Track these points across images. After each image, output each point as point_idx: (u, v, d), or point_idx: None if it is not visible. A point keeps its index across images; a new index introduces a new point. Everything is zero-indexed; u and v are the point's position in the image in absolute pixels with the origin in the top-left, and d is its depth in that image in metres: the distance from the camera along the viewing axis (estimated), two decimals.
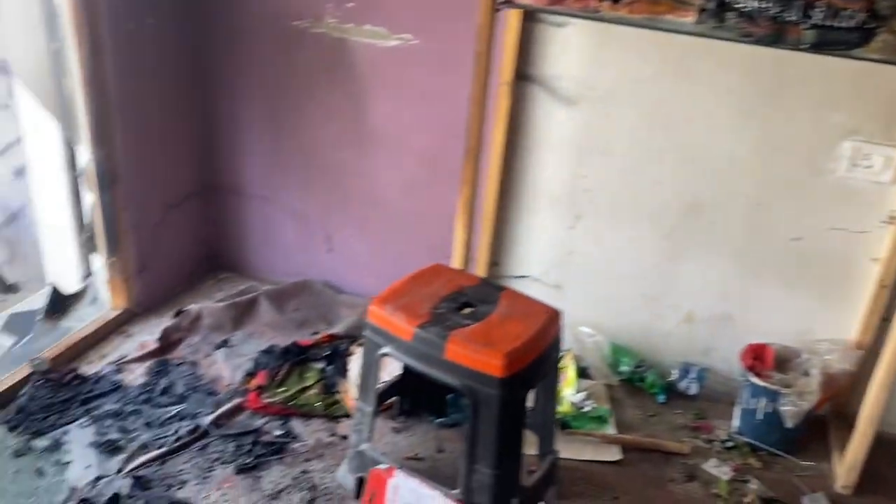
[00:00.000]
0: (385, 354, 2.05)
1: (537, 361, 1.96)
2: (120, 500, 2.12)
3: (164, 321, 3.01)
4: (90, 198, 2.79)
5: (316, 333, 3.00)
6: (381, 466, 2.09)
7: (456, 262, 2.65)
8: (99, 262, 2.92)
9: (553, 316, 2.06)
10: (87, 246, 2.93)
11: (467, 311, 2.06)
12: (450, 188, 2.84)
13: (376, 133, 2.92)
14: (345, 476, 2.27)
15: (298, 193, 3.17)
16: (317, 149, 3.05)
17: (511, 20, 2.51)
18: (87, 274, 3.03)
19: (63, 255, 3.05)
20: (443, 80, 2.71)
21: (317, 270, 3.26)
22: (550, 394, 2.19)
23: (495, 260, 2.93)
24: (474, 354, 1.88)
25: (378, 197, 3.04)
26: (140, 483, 2.21)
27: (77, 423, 2.44)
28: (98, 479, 2.22)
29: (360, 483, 2.21)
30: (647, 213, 2.69)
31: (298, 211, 3.20)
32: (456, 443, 2.50)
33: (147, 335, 2.93)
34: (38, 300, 3.13)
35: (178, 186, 3.12)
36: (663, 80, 2.52)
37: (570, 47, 2.56)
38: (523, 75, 2.61)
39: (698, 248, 2.69)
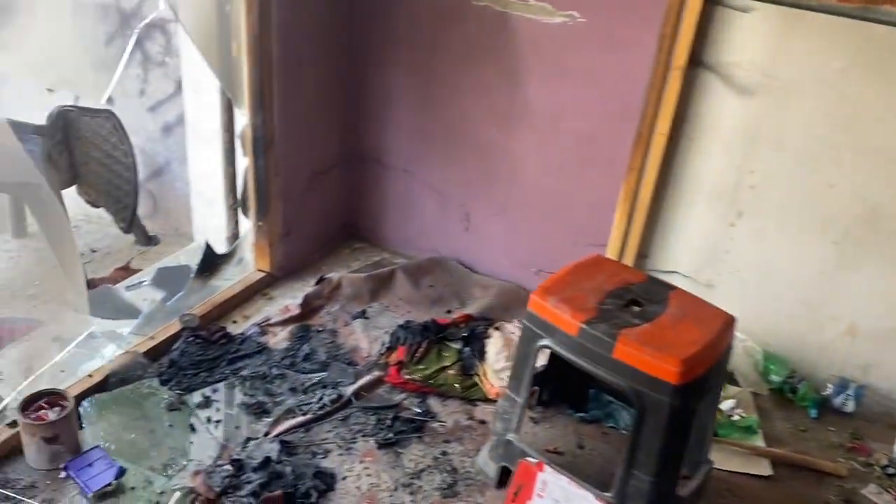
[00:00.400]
0: (544, 346, 1.99)
1: (712, 370, 1.86)
2: (270, 463, 2.15)
3: (304, 286, 3.05)
4: (244, 161, 2.83)
5: (450, 312, 2.97)
6: (531, 460, 2.04)
7: (610, 252, 2.56)
8: (247, 224, 2.97)
9: (728, 322, 1.95)
10: (237, 208, 2.99)
11: (635, 309, 1.97)
12: (602, 174, 2.74)
13: (528, 112, 2.83)
14: (486, 463, 2.25)
15: (440, 169, 3.13)
16: (463, 125, 2.99)
17: (692, 2, 2.36)
18: (234, 235, 3.09)
19: (210, 215, 3.13)
20: (608, 62, 2.59)
21: (451, 248, 3.22)
22: (713, 402, 2.08)
23: (644, 252, 2.81)
24: (647, 357, 1.80)
25: (522, 178, 2.96)
26: (287, 448, 2.25)
27: (225, 381, 2.50)
28: (248, 440, 2.27)
29: (504, 472, 2.18)
30: (819, 216, 2.52)
31: (438, 187, 3.16)
32: (596, 440, 2.43)
33: (288, 299, 2.98)
34: (184, 256, 3.23)
35: (324, 155, 3.13)
36: (854, 74, 2.32)
37: (752, 33, 2.39)
38: (698, 61, 2.46)
39: (872, 257, 2.49)
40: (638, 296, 2.02)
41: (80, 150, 3.27)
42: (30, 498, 2.02)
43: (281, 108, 2.76)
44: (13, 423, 2.19)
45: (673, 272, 2.80)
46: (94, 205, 3.48)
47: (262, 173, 2.81)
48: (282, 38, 2.64)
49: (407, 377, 2.56)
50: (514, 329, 2.80)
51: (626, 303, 1.98)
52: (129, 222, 3.40)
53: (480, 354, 2.67)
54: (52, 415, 2.11)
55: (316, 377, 2.56)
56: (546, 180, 2.91)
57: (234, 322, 2.82)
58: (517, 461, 2.07)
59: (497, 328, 2.79)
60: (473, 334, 2.73)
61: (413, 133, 3.12)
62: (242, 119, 2.74)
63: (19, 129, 3.09)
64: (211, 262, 2.94)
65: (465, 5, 2.77)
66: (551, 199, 2.92)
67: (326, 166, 3.15)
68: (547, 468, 2.02)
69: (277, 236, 2.99)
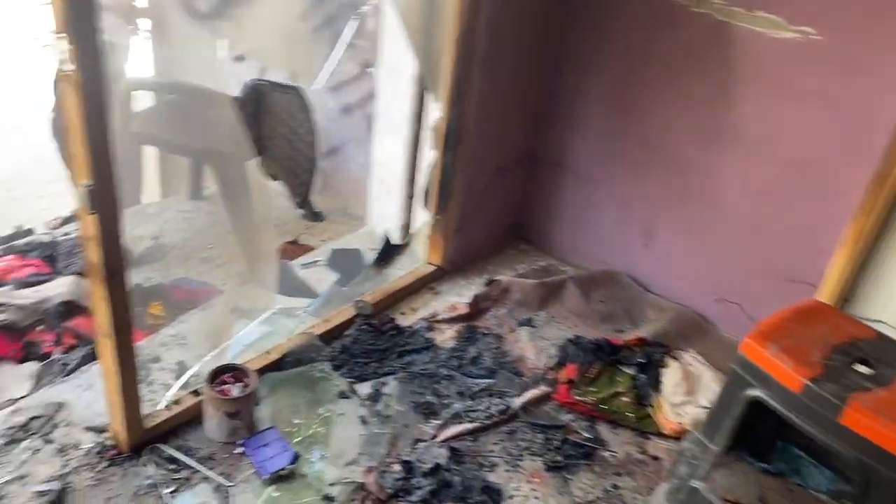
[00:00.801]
0: (756, 398, 1.82)
1: None
2: (440, 470, 2.11)
3: (469, 284, 3.00)
4: (430, 154, 2.79)
5: (621, 331, 2.83)
6: None
7: (822, 296, 2.33)
8: (423, 216, 2.93)
9: None
10: (415, 199, 2.96)
11: (866, 370, 1.76)
12: (816, 207, 2.51)
13: (736, 132, 2.62)
14: None
15: (624, 179, 2.97)
16: (658, 136, 2.82)
17: None
18: (406, 224, 3.07)
19: (387, 202, 3.12)
20: (844, 86, 2.34)
21: (625, 262, 3.07)
22: None
23: (847, 295, 2.55)
24: (881, 428, 1.60)
25: (717, 200, 2.76)
26: (455, 456, 2.19)
27: (395, 375, 2.47)
28: (417, 441, 2.23)
29: None
30: None
31: (620, 197, 3.01)
32: (781, 497, 2.22)
33: (453, 296, 2.93)
34: (356, 240, 3.24)
35: (507, 153, 3.05)
36: None
37: None
38: None
39: None
40: (868, 354, 1.81)
41: (268, 123, 3.33)
42: (208, 469, 2.06)
43: (477, 104, 2.69)
44: (196, 392, 2.25)
45: (878, 321, 2.52)
46: (274, 178, 3.57)
47: (449, 168, 2.76)
48: (489, 34, 2.56)
49: (578, 398, 2.44)
50: (691, 360, 2.63)
51: (853, 360, 1.78)
52: (304, 198, 3.45)
53: (656, 384, 2.52)
54: (235, 390, 2.15)
55: (483, 383, 2.49)
56: (745, 206, 2.69)
57: (403, 314, 2.80)
58: None
59: (674, 357, 2.62)
60: (650, 361, 2.58)
61: (601, 139, 2.98)
62: (435, 111, 2.69)
63: (213, 98, 3.19)
64: (389, 253, 2.92)
65: (682, 11, 2.59)
66: (748, 226, 2.70)
67: (507, 165, 3.07)
68: None
69: (452, 231, 2.93)
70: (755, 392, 1.81)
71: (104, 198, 1.66)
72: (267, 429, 2.17)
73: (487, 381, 2.50)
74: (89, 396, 2.27)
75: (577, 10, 2.83)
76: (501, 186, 3.10)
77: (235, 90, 3.18)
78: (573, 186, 3.12)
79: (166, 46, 3.58)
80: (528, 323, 2.82)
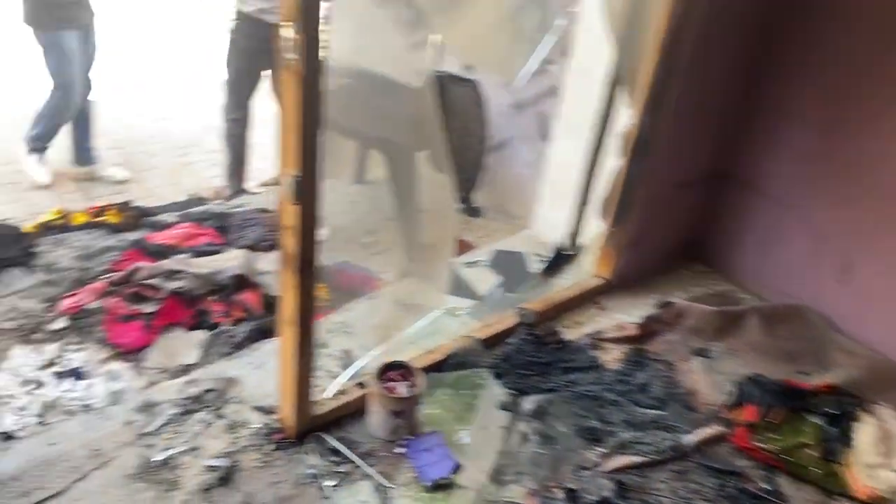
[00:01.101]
0: None
1: None
2: None
3: (637, 302, 2.83)
4: (613, 162, 2.64)
5: (806, 374, 2.58)
6: None
7: None
8: (595, 226, 2.79)
9: None
10: (589, 207, 2.82)
11: None
12: None
13: None
14: None
15: (824, 207, 2.70)
16: (873, 162, 2.53)
17: None
18: (575, 232, 2.94)
19: (557, 207, 3.00)
20: None
21: (815, 297, 2.79)
22: None
23: None
24: None
25: None
26: (621, 489, 2.06)
27: (558, 393, 2.36)
28: (581, 468, 2.11)
29: None
30: None
31: (817, 226, 2.74)
32: None
33: (620, 313, 2.78)
34: (519, 243, 3.15)
35: (695, 167, 2.85)
36: None
37: None
38: None
39: None
40: None
41: (442, 116, 3.30)
42: (369, 465, 2.04)
43: (671, 113, 2.51)
44: (361, 384, 2.23)
45: None
46: (439, 170, 3.53)
47: (633, 179, 2.60)
48: (695, 42, 2.38)
49: (758, 444, 2.24)
50: (889, 418, 2.35)
51: None
52: (467, 195, 3.40)
53: (847, 439, 2.27)
54: (403, 389, 2.11)
55: (651, 414, 2.33)
56: None
57: (566, 327, 2.68)
58: None
59: (870, 412, 2.35)
60: (842, 413, 2.33)
61: (800, 160, 2.72)
62: (625, 117, 2.54)
63: (393, 87, 3.17)
64: (559, 263, 2.81)
65: None
66: None
67: (691, 180, 2.86)
68: None
69: (625, 245, 2.78)
70: None
71: (308, 189, 1.64)
72: (430, 433, 2.12)
73: (656, 412, 2.34)
74: (259, 376, 2.31)
75: (797, 19, 2.58)
76: (683, 202, 2.91)
77: (408, 78, 3.16)
78: (762, 209, 2.88)
79: (346, 31, 3.61)
80: (702, 353, 2.62)
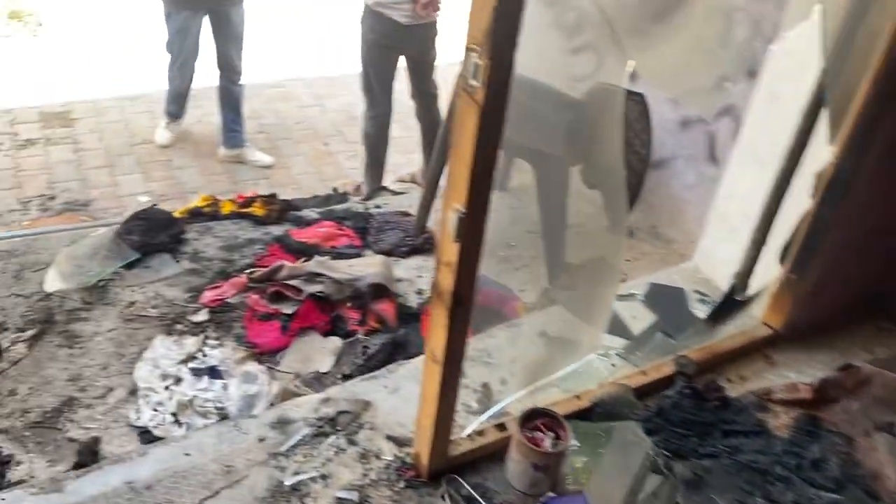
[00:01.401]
0: None
1: None
2: None
3: (813, 360, 2.51)
4: (801, 200, 2.33)
5: None
6: None
7: None
8: (773, 270, 2.49)
9: None
10: (765, 247, 2.52)
11: None
12: None
13: None
14: None
15: None
16: None
17: None
18: (745, 272, 2.64)
19: (726, 241, 2.71)
20: None
21: None
22: None
23: None
24: None
25: None
26: None
27: (718, 459, 2.11)
28: None
29: None
30: None
31: None
32: None
33: (792, 371, 2.47)
34: (679, 277, 2.89)
35: (893, 211, 2.47)
36: None
37: None
38: None
39: None
40: None
41: (600, 131, 3.07)
42: None
43: (877, 155, 2.18)
44: (501, 426, 2.08)
45: None
46: (592, 186, 3.31)
47: (823, 223, 2.28)
48: None
49: None
50: None
51: None
52: (623, 218, 3.16)
53: None
54: (548, 442, 1.92)
55: (827, 497, 2.04)
56: None
57: (729, 381, 2.40)
58: None
59: None
60: None
61: None
62: (824, 154, 2.22)
63: (553, 96, 2.98)
64: (728, 310, 2.53)
65: None
66: None
67: (890, 225, 2.49)
68: None
69: (804, 294, 2.46)
70: None
71: (473, 228, 1.48)
72: (576, 493, 1.93)
73: (833, 496, 2.04)
74: (394, 402, 2.20)
75: None
76: (875, 250, 2.54)
77: (566, 86, 2.96)
78: None
79: None
80: (889, 429, 2.27)
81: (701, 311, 2.68)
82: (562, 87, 2.93)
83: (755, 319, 2.58)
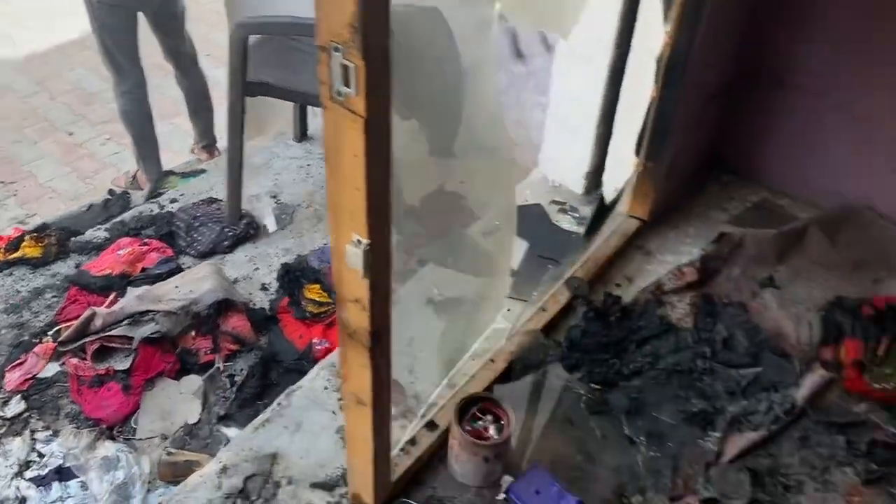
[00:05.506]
0: None
1: None
2: None
3: (679, 235, 2.54)
4: (642, 87, 2.24)
5: (878, 280, 2.37)
6: None
7: None
8: (623, 162, 2.42)
9: None
10: (611, 141, 2.44)
11: None
12: None
13: None
14: None
15: (869, 91, 2.41)
16: None
17: None
18: (595, 170, 2.56)
19: (570, 144, 2.60)
20: None
21: (865, 192, 2.55)
22: None
23: None
24: None
25: None
26: (755, 479, 1.81)
27: (643, 375, 2.06)
28: (707, 466, 1.84)
29: None
30: None
31: (861, 113, 2.45)
32: None
33: (669, 255, 2.47)
34: (530, 192, 2.75)
35: (725, 75, 2.48)
36: None
37: None
38: None
39: None
40: None
41: (401, 53, 2.78)
42: None
43: (706, 24, 2.11)
44: (431, 424, 1.87)
45: None
46: (407, 117, 3.04)
47: (670, 105, 2.22)
48: None
49: (873, 384, 2.02)
50: None
51: None
52: (452, 140, 2.94)
53: None
54: (492, 430, 1.75)
55: (749, 374, 2.07)
56: None
57: (618, 285, 2.35)
58: None
59: None
60: None
61: (839, 44, 2.39)
62: (657, 37, 2.12)
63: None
64: (602, 217, 2.44)
65: None
66: None
67: (721, 90, 2.50)
68: None
69: (662, 179, 2.43)
70: None
71: (380, 259, 1.19)
72: (532, 468, 1.79)
73: (753, 369, 2.08)
74: (302, 442, 1.90)
75: None
76: (711, 116, 2.56)
77: None
78: (796, 103, 2.56)
79: None
80: (770, 283, 2.36)
81: (566, 222, 2.58)
82: None
83: (622, 215, 2.53)
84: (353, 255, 1.17)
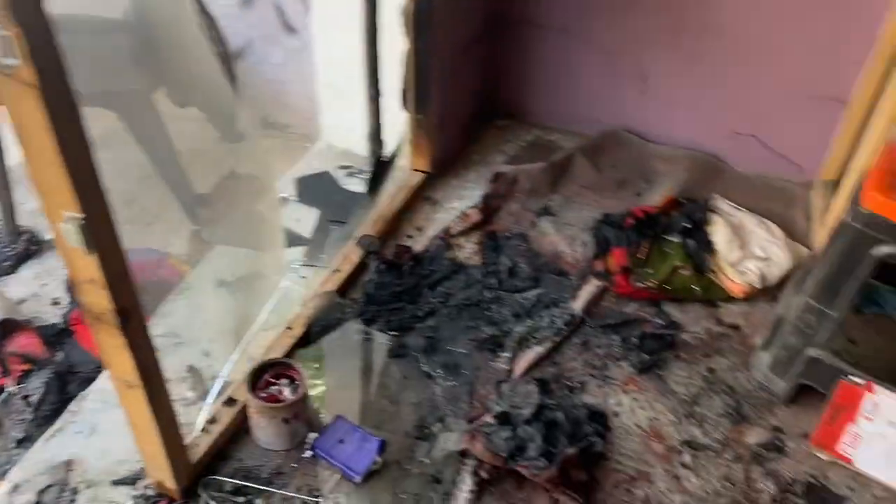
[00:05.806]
0: (891, 256, 1.64)
1: None
2: (543, 411, 1.87)
3: (465, 182, 2.66)
4: (397, 43, 2.32)
5: (639, 195, 2.61)
6: (856, 380, 1.77)
7: (854, 109, 2.15)
8: (399, 118, 2.50)
9: None
10: (383, 99, 2.50)
11: None
12: (840, 12, 2.28)
13: None
14: (770, 379, 1.98)
15: (608, 24, 2.63)
16: None
17: None
18: (375, 131, 2.62)
19: (344, 108, 2.65)
20: None
21: (619, 116, 2.79)
22: None
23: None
24: None
25: (718, 26, 2.48)
26: (543, 387, 1.96)
27: (438, 314, 2.16)
28: (499, 384, 1.97)
29: (796, 389, 1.92)
30: None
31: (605, 45, 2.67)
32: (866, 332, 2.15)
33: (455, 201, 2.59)
34: (317, 161, 2.78)
35: (474, 22, 2.60)
36: None
37: None
38: None
39: None
40: None
41: (164, 40, 2.70)
42: (280, 488, 1.73)
43: None
44: (230, 400, 1.87)
45: None
46: (184, 104, 2.96)
47: (424, 56, 2.31)
48: None
49: (639, 285, 2.23)
50: (731, 210, 2.45)
51: None
52: (233, 123, 2.90)
53: (706, 245, 2.33)
54: (287, 391, 1.78)
55: (532, 295, 2.23)
56: (754, 27, 2.43)
57: (410, 237, 2.44)
58: (829, 381, 1.80)
59: (714, 211, 2.43)
60: (693, 223, 2.38)
61: None
62: None
63: (93, 25, 2.54)
64: (382, 173, 2.49)
65: None
66: (760, 49, 2.46)
67: (474, 36, 2.63)
68: (879, 389, 1.75)
69: (435, 129, 2.53)
70: (889, 250, 1.64)
71: (103, 231, 1.18)
72: (334, 420, 1.83)
73: (535, 291, 2.24)
74: (99, 443, 1.84)
75: None
76: (472, 63, 2.68)
77: (103, 9, 2.52)
78: (547, 44, 2.75)
79: None
80: (545, 212, 2.53)
81: (354, 185, 2.63)
82: (95, 12, 2.48)
83: (405, 170, 2.61)
84: (68, 233, 1.15)
